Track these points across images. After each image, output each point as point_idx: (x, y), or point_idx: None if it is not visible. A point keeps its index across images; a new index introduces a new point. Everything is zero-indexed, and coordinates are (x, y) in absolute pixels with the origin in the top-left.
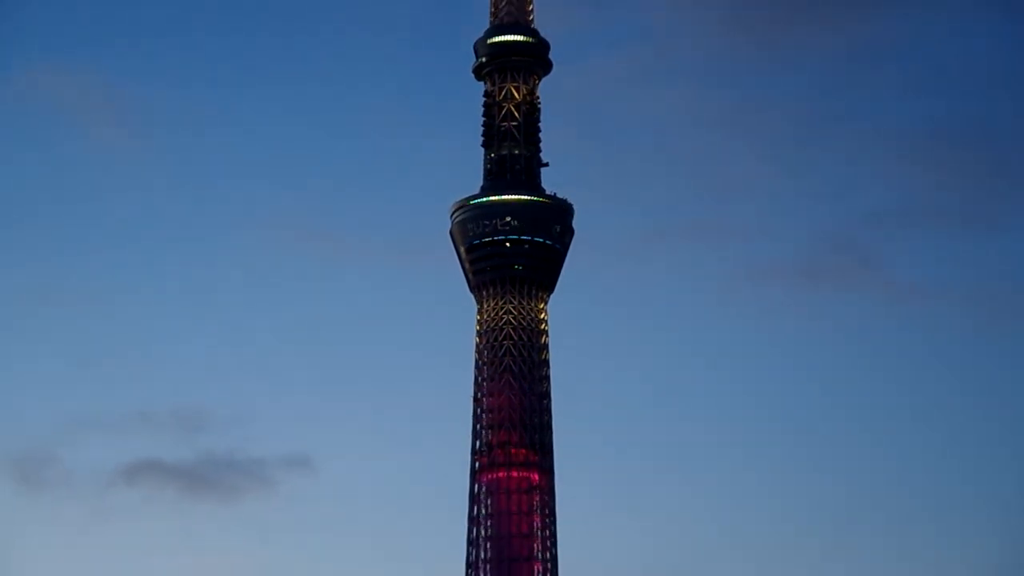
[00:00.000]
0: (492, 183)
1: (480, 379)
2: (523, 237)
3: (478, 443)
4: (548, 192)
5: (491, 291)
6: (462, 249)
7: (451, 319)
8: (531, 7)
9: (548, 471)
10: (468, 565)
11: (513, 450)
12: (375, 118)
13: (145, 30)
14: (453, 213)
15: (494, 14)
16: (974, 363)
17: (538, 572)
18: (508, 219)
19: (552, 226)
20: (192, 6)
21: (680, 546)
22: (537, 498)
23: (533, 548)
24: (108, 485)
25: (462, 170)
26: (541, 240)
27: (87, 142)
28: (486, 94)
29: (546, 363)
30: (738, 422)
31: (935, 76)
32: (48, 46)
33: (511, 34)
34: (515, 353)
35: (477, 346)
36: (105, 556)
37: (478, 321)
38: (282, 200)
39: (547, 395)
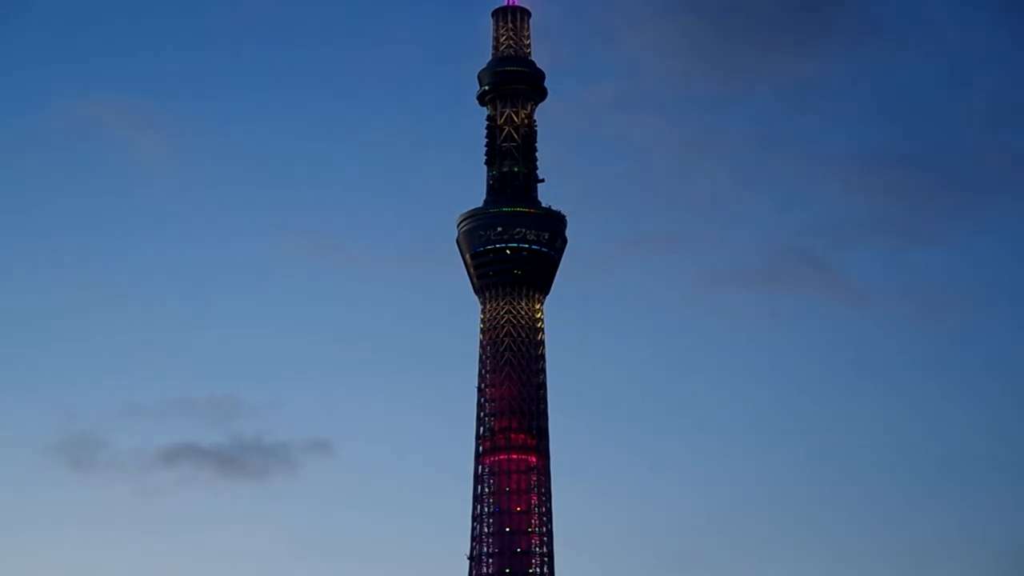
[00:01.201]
0: (494, 197)
1: (483, 372)
2: (521, 245)
3: (481, 429)
4: (544, 205)
5: (493, 293)
6: (467, 256)
7: (457, 318)
8: (528, 42)
9: (544, 454)
10: (473, 538)
11: (513, 435)
12: (391, 140)
13: (183, 65)
14: (459, 224)
15: (496, 47)
16: (913, 355)
17: (535, 544)
18: (508, 228)
19: (547, 235)
20: (225, 46)
21: (664, 521)
22: (534, 478)
23: (531, 523)
24: (150, 466)
25: (467, 186)
26: (537, 248)
27: (132, 159)
28: (488, 118)
29: (542, 357)
30: (709, 407)
31: (880, 106)
32: (101, 77)
33: (511, 65)
34: (514, 349)
35: (481, 342)
36: (146, 530)
37: (481, 320)
38: (308, 211)
39: (543, 386)
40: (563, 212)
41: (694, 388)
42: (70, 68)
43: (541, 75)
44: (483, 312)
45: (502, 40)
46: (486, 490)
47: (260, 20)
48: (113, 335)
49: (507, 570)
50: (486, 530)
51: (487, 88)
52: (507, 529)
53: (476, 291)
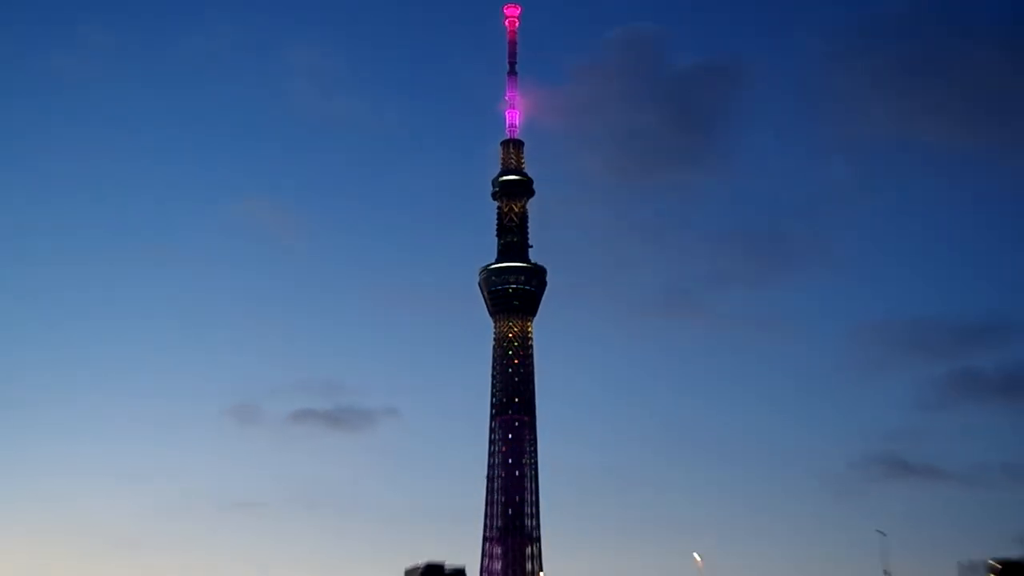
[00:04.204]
0: (501, 257)
1: (495, 365)
2: (517, 287)
3: (494, 399)
4: (532, 261)
5: (501, 317)
6: (485, 293)
7: (478, 332)
8: (523, 160)
9: (532, 414)
10: (488, 467)
11: (513, 403)
12: (437, 222)
13: (306, 179)
14: (480, 273)
15: (503, 164)
16: (752, 360)
17: (527, 469)
18: (510, 275)
19: (535, 279)
20: (333, 170)
21: (607, 455)
22: (526, 430)
23: (524, 456)
24: (285, 424)
25: (484, 250)
26: (528, 288)
27: (271, 239)
28: (498, 208)
29: (531, 356)
30: (633, 386)
31: (734, 199)
32: (247, 184)
33: (512, 175)
34: (514, 351)
35: (493, 347)
36: (282, 465)
37: (494, 333)
38: (385, 269)
39: (532, 374)
40: (544, 266)
41: (624, 375)
42: (232, 176)
43: (531, 181)
44: (495, 329)
45: (506, 159)
46: (496, 438)
47: (351, 155)
48: (262, 341)
49: (508, 486)
50: (496, 462)
51: (497, 190)
52: (509, 461)
53: (490, 315)
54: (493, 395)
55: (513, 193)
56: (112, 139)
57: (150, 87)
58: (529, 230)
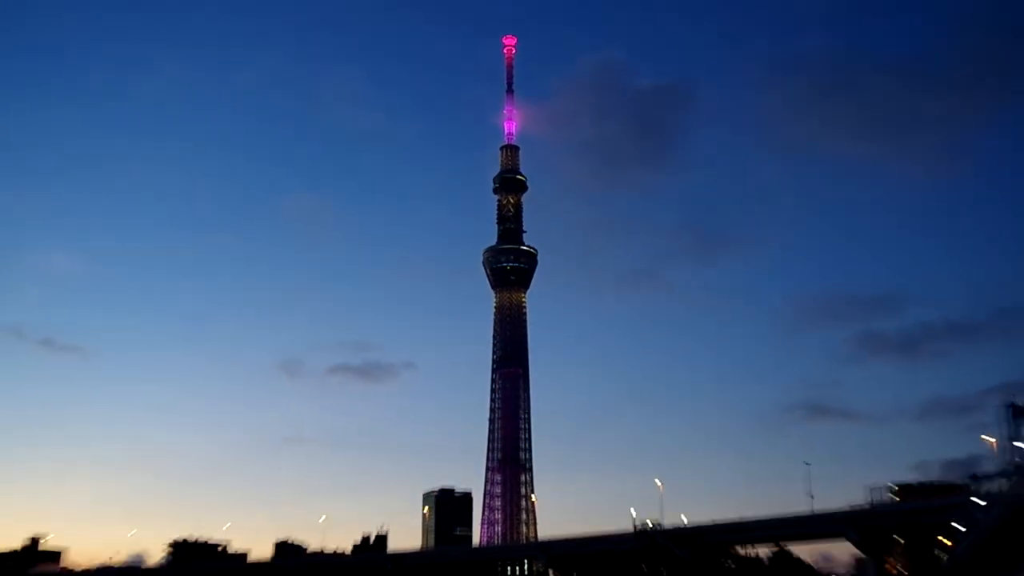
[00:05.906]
0: (501, 240)
1: (495, 328)
2: (513, 264)
3: (494, 355)
4: (526, 245)
5: (501, 289)
6: (488, 270)
7: (483, 303)
8: (519, 162)
9: (525, 367)
10: (490, 410)
11: (510, 358)
12: (447, 213)
13: (332, 182)
14: (484, 254)
15: (502, 165)
16: (704, 327)
17: (521, 411)
18: (507, 256)
19: (527, 259)
20: (359, 174)
21: (581, 400)
22: (521, 380)
23: (519, 402)
24: (325, 376)
25: (487, 234)
26: (522, 265)
27: (313, 227)
28: (498, 201)
29: (525, 321)
30: (608, 344)
31: (688, 199)
32: (294, 183)
33: (509, 174)
34: (511, 317)
35: (494, 314)
36: (323, 410)
37: (495, 302)
38: (408, 253)
39: (525, 335)
40: (535, 248)
41: (601, 336)
42: (281, 176)
43: (525, 179)
44: (496, 299)
45: (505, 161)
46: (496, 387)
47: (377, 158)
48: (306, 308)
49: (506, 426)
50: (496, 406)
51: (497, 186)
52: (508, 406)
53: (492, 288)
54: (494, 352)
55: (510, 188)
56: (187, 148)
57: (214, 107)
58: (523, 219)
